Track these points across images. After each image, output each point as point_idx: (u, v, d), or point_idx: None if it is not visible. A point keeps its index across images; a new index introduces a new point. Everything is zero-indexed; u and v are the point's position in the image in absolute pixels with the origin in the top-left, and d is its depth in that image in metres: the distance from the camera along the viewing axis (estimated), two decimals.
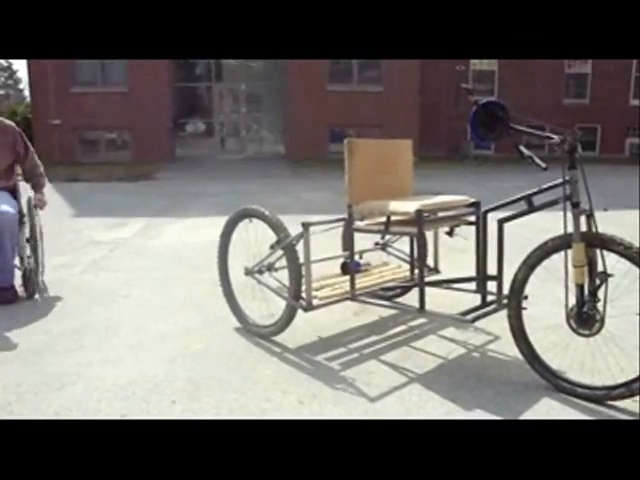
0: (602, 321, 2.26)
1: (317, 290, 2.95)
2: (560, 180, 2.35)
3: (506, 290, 2.54)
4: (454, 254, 3.88)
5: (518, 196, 2.55)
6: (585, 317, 2.28)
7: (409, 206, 2.69)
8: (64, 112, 15.33)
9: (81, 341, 2.97)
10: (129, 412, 2.20)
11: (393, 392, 2.39)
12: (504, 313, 2.52)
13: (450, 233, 3.05)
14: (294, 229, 2.87)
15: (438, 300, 3.08)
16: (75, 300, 3.67)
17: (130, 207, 8.24)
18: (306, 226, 2.80)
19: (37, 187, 3.97)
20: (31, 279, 3.72)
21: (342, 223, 3.10)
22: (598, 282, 2.27)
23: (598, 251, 2.26)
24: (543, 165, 2.38)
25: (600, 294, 2.27)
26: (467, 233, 3.01)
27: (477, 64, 18.90)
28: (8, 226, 3.53)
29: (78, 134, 15.96)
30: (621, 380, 2.24)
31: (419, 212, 2.64)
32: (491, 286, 2.78)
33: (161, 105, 15.70)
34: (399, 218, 2.80)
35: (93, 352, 2.82)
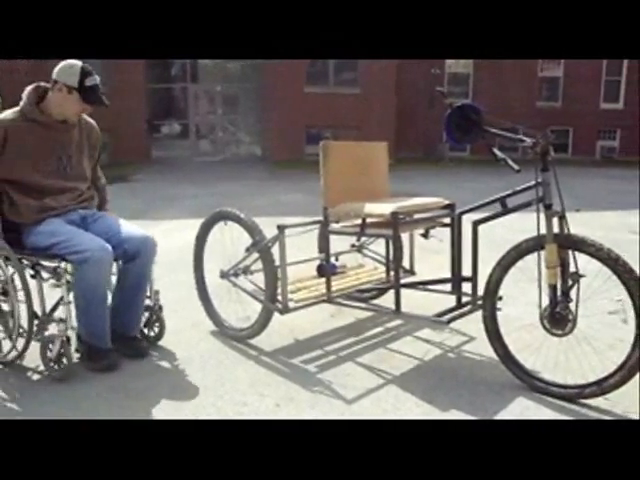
0: (574, 321, 2.29)
1: (293, 292, 2.95)
2: (533, 182, 2.38)
3: (481, 291, 2.56)
4: (430, 256, 3.91)
5: (492, 198, 2.58)
6: (558, 317, 2.31)
7: (385, 208, 2.70)
8: None
9: None
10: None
11: (370, 394, 2.39)
12: (479, 314, 2.54)
13: (425, 235, 3.07)
14: (271, 231, 2.86)
15: (414, 302, 3.10)
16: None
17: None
18: (281, 228, 2.79)
19: (104, 202, 3.00)
20: (160, 318, 2.97)
21: (318, 225, 3.11)
22: (570, 283, 2.30)
23: (570, 252, 2.29)
24: (516, 167, 2.41)
25: (572, 294, 2.30)
26: (442, 235, 3.03)
27: (452, 67, 19.04)
28: (152, 256, 2.77)
29: None
30: (593, 379, 2.27)
31: (394, 214, 2.65)
32: (466, 287, 2.80)
33: (136, 106, 15.55)
34: (375, 220, 2.80)
35: None
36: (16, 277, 2.54)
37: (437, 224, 3.01)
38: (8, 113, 2.62)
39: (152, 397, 2.35)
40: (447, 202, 2.99)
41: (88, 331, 2.59)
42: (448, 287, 2.88)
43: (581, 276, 2.28)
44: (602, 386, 2.24)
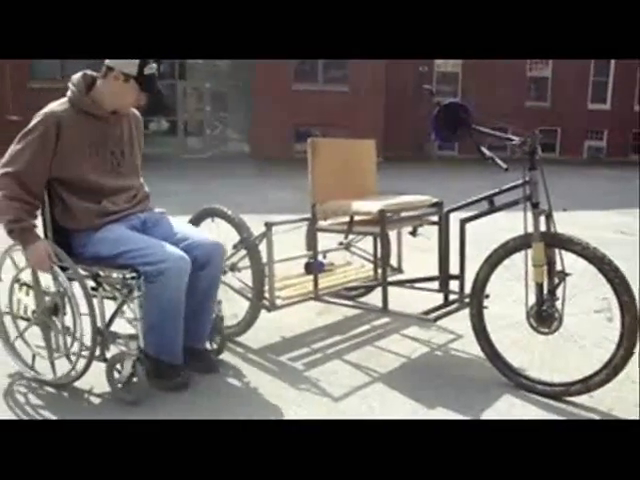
0: (560, 319, 2.30)
1: (281, 290, 2.94)
2: (521, 181, 2.39)
3: (468, 289, 2.57)
4: (417, 254, 3.91)
5: (480, 196, 2.59)
6: (544, 315, 2.32)
7: (372, 206, 2.70)
8: (22, 108, 14.96)
9: None
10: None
11: (356, 392, 2.39)
12: (466, 312, 2.55)
13: (413, 233, 3.07)
14: (258, 229, 2.85)
15: (401, 299, 3.10)
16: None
17: None
18: (269, 226, 2.79)
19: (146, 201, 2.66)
20: (221, 330, 2.72)
21: (306, 223, 3.10)
22: (557, 281, 2.31)
23: (557, 251, 2.30)
24: (504, 166, 2.41)
25: (559, 293, 2.31)
26: (430, 233, 3.04)
27: (441, 66, 19.09)
28: (222, 263, 2.60)
29: None
30: (578, 377, 2.28)
31: (382, 212, 2.64)
32: (454, 285, 2.81)
33: None
34: (362, 218, 2.80)
35: None
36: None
37: (425, 222, 3.02)
38: (55, 105, 2.34)
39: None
40: (435, 200, 2.99)
41: (159, 347, 2.34)
42: (435, 285, 2.88)
43: (567, 274, 2.30)
44: (588, 384, 2.25)
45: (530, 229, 2.31)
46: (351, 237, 3.45)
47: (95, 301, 2.26)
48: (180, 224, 2.56)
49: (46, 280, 2.35)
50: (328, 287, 3.06)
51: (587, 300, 2.57)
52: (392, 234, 3.39)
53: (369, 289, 3.46)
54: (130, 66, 2.27)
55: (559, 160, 18.59)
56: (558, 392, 2.32)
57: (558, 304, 2.31)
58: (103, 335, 2.28)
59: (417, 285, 3.04)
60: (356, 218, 2.81)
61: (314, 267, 2.97)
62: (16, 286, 2.43)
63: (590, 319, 3.17)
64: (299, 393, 2.37)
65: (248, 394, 2.36)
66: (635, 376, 2.46)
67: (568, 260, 2.29)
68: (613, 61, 20.21)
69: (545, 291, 2.32)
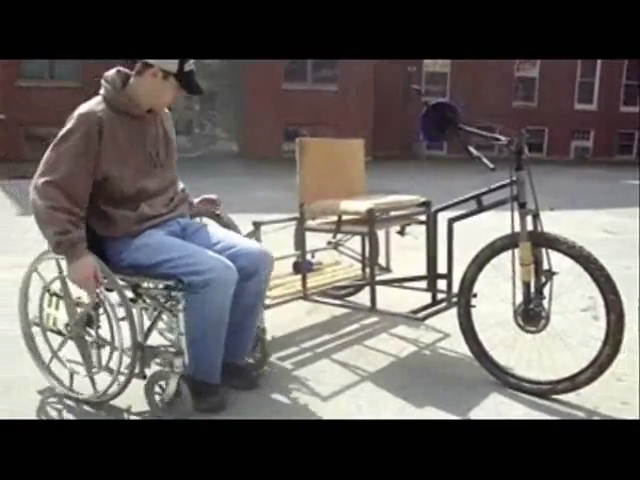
0: (547, 318, 2.32)
1: (269, 289, 2.93)
2: (508, 180, 2.41)
3: (456, 288, 2.58)
4: (405, 253, 3.92)
5: (468, 196, 2.60)
6: (532, 314, 2.34)
7: (360, 205, 2.70)
8: (9, 107, 14.83)
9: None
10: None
11: (345, 391, 2.40)
12: (454, 311, 2.56)
13: (401, 232, 3.08)
14: (246, 228, 2.84)
15: (390, 299, 3.11)
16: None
17: None
18: (257, 225, 2.78)
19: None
20: (263, 342, 2.56)
21: (294, 222, 3.10)
22: (544, 280, 2.33)
23: (544, 250, 2.32)
24: (491, 165, 2.43)
25: (546, 292, 2.33)
26: (418, 232, 3.05)
27: (430, 66, 19.15)
28: (270, 273, 2.41)
29: (25, 130, 15.46)
30: (565, 375, 2.30)
31: (370, 211, 2.65)
32: (442, 284, 2.82)
33: None
34: (351, 217, 2.81)
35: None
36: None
37: (413, 221, 3.03)
38: (91, 104, 2.17)
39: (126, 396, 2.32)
40: (423, 200, 3.00)
41: (197, 364, 2.15)
42: (423, 284, 2.89)
43: (554, 273, 2.31)
44: (574, 382, 2.27)
45: (517, 228, 2.32)
46: (340, 236, 3.46)
47: (141, 314, 2.14)
48: (223, 230, 2.41)
49: (75, 290, 2.21)
50: (317, 286, 3.06)
51: (573, 299, 2.60)
52: (380, 233, 3.40)
53: (358, 288, 3.47)
54: (170, 63, 2.14)
55: (546, 160, 18.72)
56: (545, 390, 2.34)
57: (545, 303, 2.32)
58: (144, 350, 2.15)
59: (405, 284, 3.05)
60: (344, 217, 2.81)
61: (303, 266, 2.97)
62: (46, 297, 2.28)
63: (576, 317, 3.20)
64: (288, 392, 2.37)
65: (236, 393, 2.36)
66: (620, 374, 2.49)
67: (555, 259, 2.30)
68: (599, 62, 20.38)
69: (532, 290, 2.33)
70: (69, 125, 2.10)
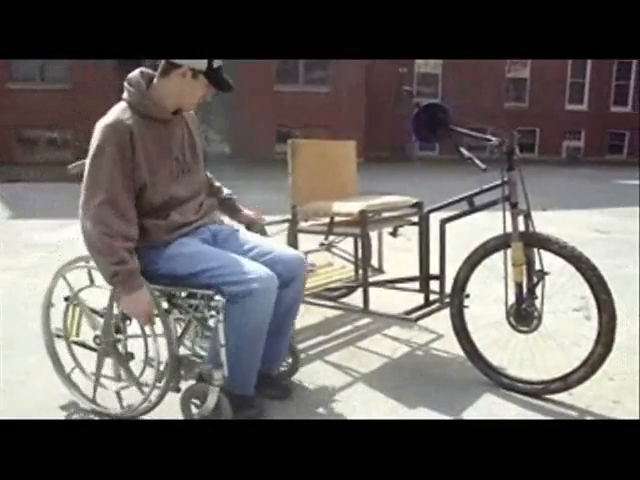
0: (540, 318, 2.33)
1: None
2: (499, 181, 2.41)
3: (449, 289, 2.58)
4: (398, 254, 3.93)
5: (460, 196, 2.60)
6: (524, 314, 2.34)
7: (353, 207, 2.70)
8: (0, 109, 14.76)
9: (13, 349, 2.85)
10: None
11: (338, 392, 2.39)
12: (447, 312, 2.56)
13: (394, 233, 3.08)
14: None
15: (383, 300, 3.11)
16: (12, 305, 3.53)
17: (71, 208, 7.98)
18: (250, 227, 2.77)
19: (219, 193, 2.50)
20: (294, 350, 2.49)
21: (287, 224, 3.09)
22: (536, 280, 2.34)
23: (536, 250, 2.32)
24: (482, 166, 2.43)
25: (538, 292, 2.33)
26: (411, 233, 3.05)
27: (422, 67, 19.21)
28: (306, 279, 2.35)
29: (16, 132, 15.39)
30: (558, 374, 2.31)
31: (363, 213, 2.65)
32: (434, 285, 2.82)
33: (105, 103, 15.18)
34: (343, 219, 2.81)
35: (23, 362, 2.72)
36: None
37: (405, 223, 3.03)
38: (117, 111, 2.05)
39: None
40: (415, 201, 3.00)
41: (234, 376, 2.05)
42: (416, 285, 2.90)
43: (546, 274, 2.32)
44: (567, 382, 2.27)
45: (509, 229, 2.33)
46: (332, 238, 3.45)
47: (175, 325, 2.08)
48: (255, 236, 2.30)
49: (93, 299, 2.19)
50: (309, 288, 3.04)
51: (565, 298, 2.61)
52: (373, 235, 3.40)
53: (351, 290, 3.47)
54: (200, 61, 2.05)
55: (538, 160, 18.81)
56: (538, 390, 2.34)
57: (537, 303, 2.33)
58: (181, 362, 2.06)
59: (398, 285, 3.06)
60: (337, 219, 2.81)
61: None
62: (70, 309, 2.20)
63: (569, 317, 3.21)
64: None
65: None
66: (612, 373, 2.50)
67: (547, 259, 2.31)
68: (589, 63, 20.50)
69: (524, 290, 2.34)
70: (97, 141, 1.99)
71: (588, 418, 2.19)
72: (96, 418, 2.15)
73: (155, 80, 2.10)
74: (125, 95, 2.09)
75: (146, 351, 2.05)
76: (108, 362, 2.16)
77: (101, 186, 1.96)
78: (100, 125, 2.02)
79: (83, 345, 2.21)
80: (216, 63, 2.07)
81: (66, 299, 2.21)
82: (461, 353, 2.54)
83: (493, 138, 2.40)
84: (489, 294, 3.02)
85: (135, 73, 2.12)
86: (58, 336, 2.27)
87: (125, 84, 2.11)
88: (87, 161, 2.01)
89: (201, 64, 2.04)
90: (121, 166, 1.98)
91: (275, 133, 16.09)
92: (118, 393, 2.15)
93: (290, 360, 2.49)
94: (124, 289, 1.96)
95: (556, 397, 2.32)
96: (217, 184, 2.52)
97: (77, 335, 2.23)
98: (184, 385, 2.11)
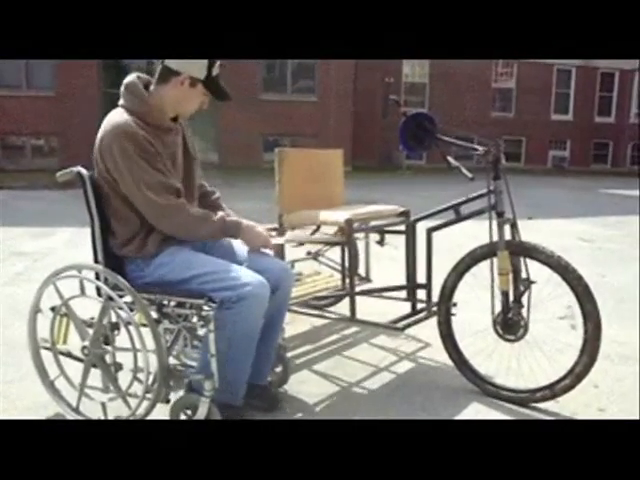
0: (526, 326, 2.33)
1: None
2: (485, 190, 2.42)
3: (436, 297, 2.58)
4: (385, 263, 3.93)
5: (446, 205, 2.61)
6: (510, 323, 2.35)
7: (339, 215, 2.70)
8: None
9: (2, 358, 2.82)
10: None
11: (324, 401, 2.38)
12: (434, 320, 2.57)
13: (380, 242, 3.08)
14: None
15: (370, 309, 3.11)
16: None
17: (57, 216, 7.93)
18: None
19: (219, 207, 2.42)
20: (283, 359, 2.48)
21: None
22: (522, 289, 2.34)
23: (522, 259, 2.33)
24: (469, 175, 2.44)
25: (524, 300, 2.34)
26: (398, 242, 3.05)
27: (409, 77, 19.32)
28: (292, 288, 2.34)
29: (1, 140, 15.28)
30: (544, 383, 2.31)
31: (349, 221, 2.65)
32: (421, 294, 2.82)
33: (91, 110, 15.21)
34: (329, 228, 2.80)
35: (13, 370, 2.68)
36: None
37: (392, 231, 3.03)
38: (116, 117, 2.00)
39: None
40: (402, 209, 3.01)
41: (223, 386, 2.00)
42: (403, 294, 2.90)
43: (532, 282, 2.33)
44: (553, 390, 2.28)
45: (496, 238, 2.34)
46: (319, 246, 3.45)
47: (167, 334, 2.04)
48: (241, 245, 2.25)
49: (84, 309, 2.14)
50: (297, 297, 3.04)
51: (551, 307, 2.62)
52: (360, 244, 3.40)
53: (338, 298, 3.46)
54: (199, 69, 2.03)
55: (524, 169, 18.95)
56: (524, 398, 2.35)
57: (524, 311, 2.34)
58: (172, 373, 2.02)
59: (385, 294, 3.05)
60: (323, 228, 2.81)
61: None
62: (57, 318, 2.14)
63: (554, 326, 3.23)
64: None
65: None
66: (597, 381, 2.51)
67: (533, 268, 2.32)
68: (574, 73, 20.73)
69: (511, 299, 2.34)
70: (116, 146, 1.95)
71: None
72: (95, 418, 2.12)
73: (152, 87, 2.08)
74: (122, 101, 2.06)
75: (135, 362, 2.00)
76: (95, 372, 2.12)
77: (143, 180, 1.95)
78: (107, 129, 1.99)
79: (69, 355, 2.18)
80: (215, 70, 2.06)
81: (52, 309, 2.16)
82: (448, 361, 2.54)
83: (479, 147, 2.41)
84: (476, 303, 3.03)
85: (132, 78, 2.08)
86: (45, 348, 2.21)
87: (122, 90, 2.07)
88: (119, 167, 1.96)
89: (200, 72, 2.03)
90: (149, 155, 1.98)
91: (262, 142, 16.09)
92: (104, 404, 2.10)
93: (279, 369, 2.46)
94: (237, 231, 2.09)
95: (542, 405, 2.32)
96: (210, 189, 2.48)
97: (64, 343, 2.18)
98: (173, 396, 2.09)
